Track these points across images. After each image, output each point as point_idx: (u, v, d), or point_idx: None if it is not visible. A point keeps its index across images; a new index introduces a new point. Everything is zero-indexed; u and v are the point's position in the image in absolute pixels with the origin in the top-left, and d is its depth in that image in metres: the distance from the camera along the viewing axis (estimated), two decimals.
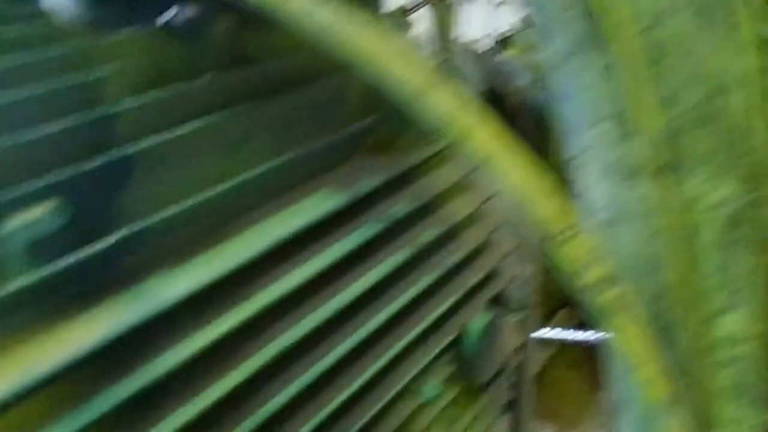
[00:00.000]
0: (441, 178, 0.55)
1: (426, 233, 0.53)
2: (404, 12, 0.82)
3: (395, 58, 0.28)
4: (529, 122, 1.14)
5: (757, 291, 0.31)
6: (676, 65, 0.29)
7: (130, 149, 0.38)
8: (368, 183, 0.50)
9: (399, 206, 0.52)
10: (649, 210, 0.27)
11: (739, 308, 0.30)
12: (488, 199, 0.65)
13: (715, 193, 0.30)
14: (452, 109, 0.28)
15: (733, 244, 0.31)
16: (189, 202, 0.40)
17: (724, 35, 0.34)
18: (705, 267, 0.30)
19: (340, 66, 0.54)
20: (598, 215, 0.28)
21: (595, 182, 0.28)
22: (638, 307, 0.27)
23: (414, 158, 0.54)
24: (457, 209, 0.56)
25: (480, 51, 1.14)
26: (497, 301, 0.63)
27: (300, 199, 0.46)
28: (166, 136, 0.40)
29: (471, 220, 0.58)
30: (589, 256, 0.26)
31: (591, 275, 0.27)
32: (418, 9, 0.82)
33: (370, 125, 0.53)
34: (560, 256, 0.28)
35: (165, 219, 0.39)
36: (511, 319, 0.66)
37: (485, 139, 0.28)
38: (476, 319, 0.59)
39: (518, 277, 0.66)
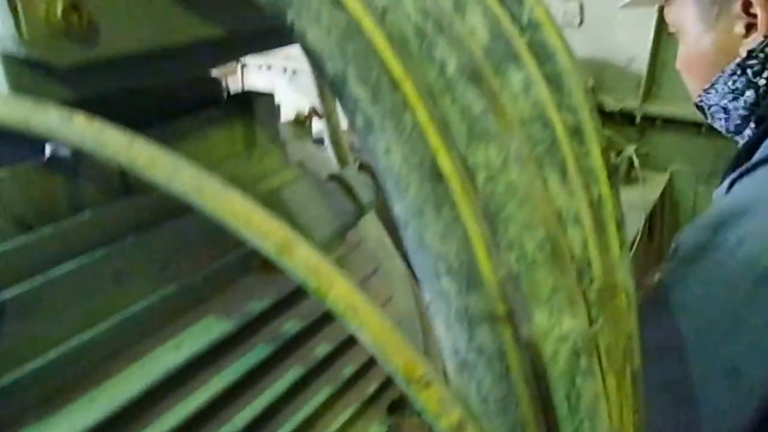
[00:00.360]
0: None
1: (319, 348, 0.55)
2: (304, 119, 0.85)
3: (255, 218, 0.30)
4: None
5: (603, 414, 0.34)
6: (514, 214, 0.32)
7: (7, 294, 0.38)
8: (258, 305, 0.51)
9: (290, 324, 0.53)
10: (496, 353, 0.30)
11: None
12: (383, 304, 0.67)
13: (560, 326, 0.33)
14: (311, 265, 0.30)
15: (580, 373, 0.33)
16: (67, 346, 0.40)
17: (555, 179, 0.38)
18: (556, 397, 0.33)
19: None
20: (451, 361, 0.30)
21: (447, 329, 0.30)
22: None
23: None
24: None
25: None
26: (398, 404, 0.64)
27: (185, 329, 0.46)
28: (44, 278, 0.40)
29: None
30: (441, 404, 0.28)
31: (444, 422, 0.28)
32: (314, 116, 0.85)
33: None
34: (419, 403, 0.29)
35: (42, 365, 0.38)
36: (415, 420, 0.67)
37: (343, 294, 0.29)
38: (375, 426, 0.59)
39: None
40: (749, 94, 0.89)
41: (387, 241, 0.78)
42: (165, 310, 0.46)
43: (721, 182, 0.94)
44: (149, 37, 0.36)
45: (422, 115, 0.30)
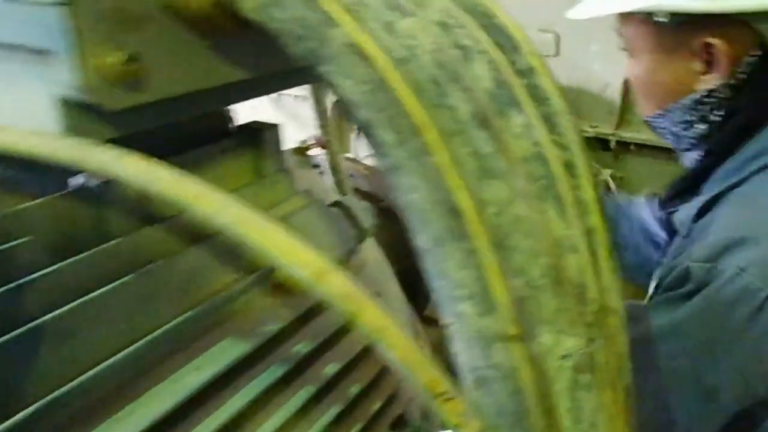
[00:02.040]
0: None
1: (329, 367, 0.58)
2: (306, 147, 0.88)
3: (294, 249, 0.33)
4: None
5: (602, 425, 0.38)
6: (520, 244, 0.36)
7: (42, 320, 0.40)
8: (272, 327, 0.54)
9: (302, 345, 0.56)
10: (509, 370, 0.33)
11: None
12: None
13: (561, 346, 0.37)
14: (344, 292, 0.33)
15: (580, 388, 0.37)
16: (100, 366, 0.42)
17: (554, 211, 0.42)
18: (560, 409, 0.36)
19: None
20: (469, 377, 0.34)
21: (466, 348, 0.34)
22: None
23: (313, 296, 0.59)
24: (357, 340, 0.61)
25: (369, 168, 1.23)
26: (398, 423, 0.67)
27: (206, 351, 0.49)
28: (77, 302, 0.42)
29: (370, 349, 0.62)
30: (462, 417, 0.32)
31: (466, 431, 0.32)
32: (317, 145, 0.89)
33: (268, 272, 0.58)
34: (443, 415, 0.33)
35: (80, 383, 0.41)
36: None
37: (373, 317, 0.33)
38: None
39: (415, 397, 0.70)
40: (702, 127, 0.92)
41: (385, 264, 0.82)
42: (187, 332, 0.48)
43: (666, 201, 0.97)
44: (189, 81, 0.40)
45: (442, 157, 0.34)
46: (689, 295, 0.80)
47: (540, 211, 0.40)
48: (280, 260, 0.33)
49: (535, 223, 0.39)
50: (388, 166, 0.34)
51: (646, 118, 1.02)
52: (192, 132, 0.61)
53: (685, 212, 0.92)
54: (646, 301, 0.97)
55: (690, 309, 0.79)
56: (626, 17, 0.94)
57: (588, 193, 0.47)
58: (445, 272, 0.33)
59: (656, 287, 0.89)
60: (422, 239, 0.34)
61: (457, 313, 0.34)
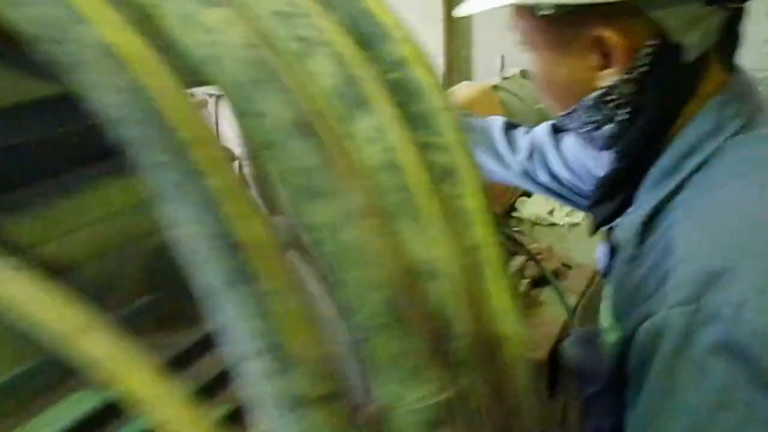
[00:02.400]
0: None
1: (214, 412, 0.51)
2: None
3: (44, 302, 0.27)
4: None
5: None
6: (351, 276, 0.30)
7: None
8: None
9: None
10: None
11: None
12: None
13: (406, 398, 0.30)
14: (103, 353, 0.27)
15: None
16: None
17: (411, 232, 0.35)
18: None
19: (117, 245, 0.52)
20: None
21: (268, 414, 0.27)
22: None
23: (199, 333, 0.52)
24: None
25: None
26: None
27: (49, 407, 0.42)
28: None
29: None
30: None
31: None
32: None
33: (148, 305, 0.51)
34: None
35: None
36: None
37: (140, 385, 0.26)
38: None
39: None
40: (609, 127, 0.84)
41: (315, 284, 0.75)
42: (25, 389, 0.42)
43: (591, 208, 0.89)
44: None
45: (222, 179, 0.27)
46: (677, 350, 0.69)
47: (386, 233, 0.33)
48: (25, 316, 0.27)
49: (375, 248, 0.32)
50: (154, 193, 0.27)
51: (557, 121, 0.93)
52: (73, 152, 0.55)
53: (626, 231, 0.83)
54: (608, 319, 0.89)
55: (710, 376, 0.68)
56: (517, 11, 0.86)
57: (471, 202, 0.40)
58: (230, 323, 0.27)
59: (628, 336, 0.77)
60: (201, 284, 0.27)
61: (251, 372, 0.27)
